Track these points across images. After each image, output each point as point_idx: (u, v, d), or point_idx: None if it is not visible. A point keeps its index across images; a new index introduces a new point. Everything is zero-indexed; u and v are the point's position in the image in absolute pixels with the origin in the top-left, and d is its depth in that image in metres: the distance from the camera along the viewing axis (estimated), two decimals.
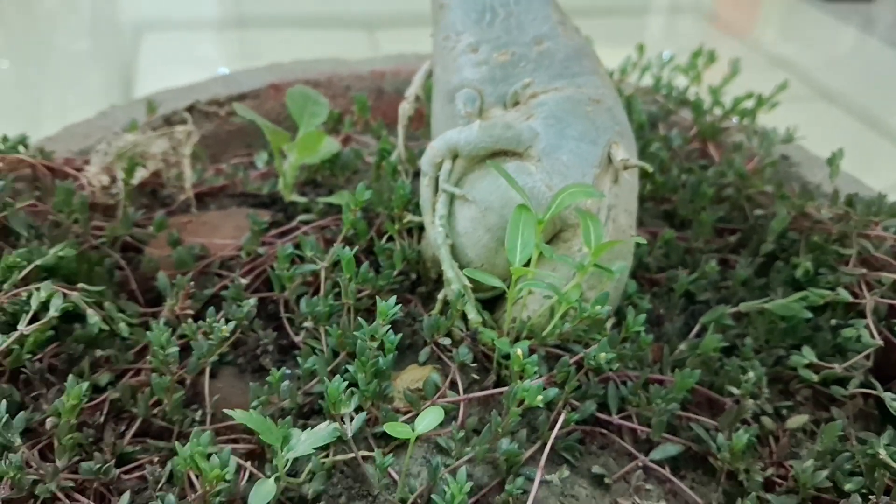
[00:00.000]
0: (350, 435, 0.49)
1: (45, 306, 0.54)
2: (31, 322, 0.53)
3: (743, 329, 0.67)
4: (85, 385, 0.48)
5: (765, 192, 0.80)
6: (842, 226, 0.70)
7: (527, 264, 0.54)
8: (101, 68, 1.82)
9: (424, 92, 0.77)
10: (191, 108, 0.87)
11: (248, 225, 0.75)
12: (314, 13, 2.20)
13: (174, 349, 0.51)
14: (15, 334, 0.53)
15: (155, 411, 0.55)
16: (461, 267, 0.62)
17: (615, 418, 0.57)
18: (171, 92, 0.89)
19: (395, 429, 0.47)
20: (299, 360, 0.58)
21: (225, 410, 0.48)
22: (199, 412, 0.56)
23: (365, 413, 0.51)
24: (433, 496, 0.50)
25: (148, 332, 0.52)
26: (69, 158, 0.76)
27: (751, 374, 0.57)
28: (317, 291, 0.67)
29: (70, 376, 0.50)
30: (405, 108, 0.76)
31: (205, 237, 0.72)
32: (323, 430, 0.48)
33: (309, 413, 0.58)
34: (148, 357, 0.60)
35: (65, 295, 0.55)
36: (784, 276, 0.71)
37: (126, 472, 0.52)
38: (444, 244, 0.62)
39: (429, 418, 0.48)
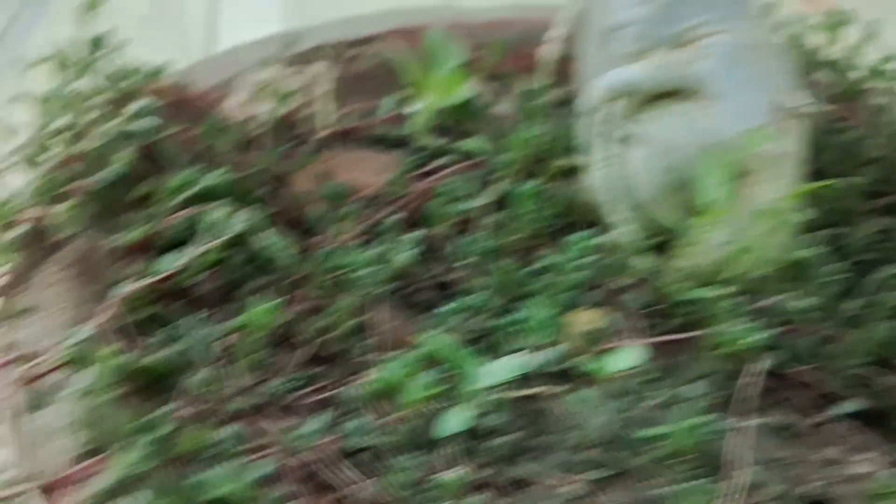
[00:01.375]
0: (543, 368, 0.47)
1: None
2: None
3: None
4: (275, 304, 0.47)
5: None
6: None
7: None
8: (186, 23, 1.82)
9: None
10: (317, 49, 0.85)
11: (383, 167, 0.74)
12: None
13: (368, 270, 0.50)
14: (197, 252, 0.51)
15: (326, 338, 0.54)
16: (629, 210, 0.60)
17: (800, 370, 0.55)
18: (298, 32, 0.87)
19: (593, 366, 0.45)
20: (468, 296, 0.56)
21: (428, 338, 0.47)
22: (367, 342, 0.54)
23: (559, 347, 0.49)
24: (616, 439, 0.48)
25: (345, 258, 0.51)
26: (204, 92, 0.75)
27: None
28: (460, 233, 0.65)
29: (262, 296, 0.49)
30: (549, 51, 0.74)
31: (345, 175, 0.71)
32: (516, 361, 0.47)
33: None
34: (309, 286, 0.59)
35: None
36: None
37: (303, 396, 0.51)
38: (615, 186, 0.60)
39: (624, 358, 0.46)
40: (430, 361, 0.49)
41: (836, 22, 0.93)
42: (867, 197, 0.75)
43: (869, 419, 0.55)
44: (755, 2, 0.64)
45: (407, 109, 0.85)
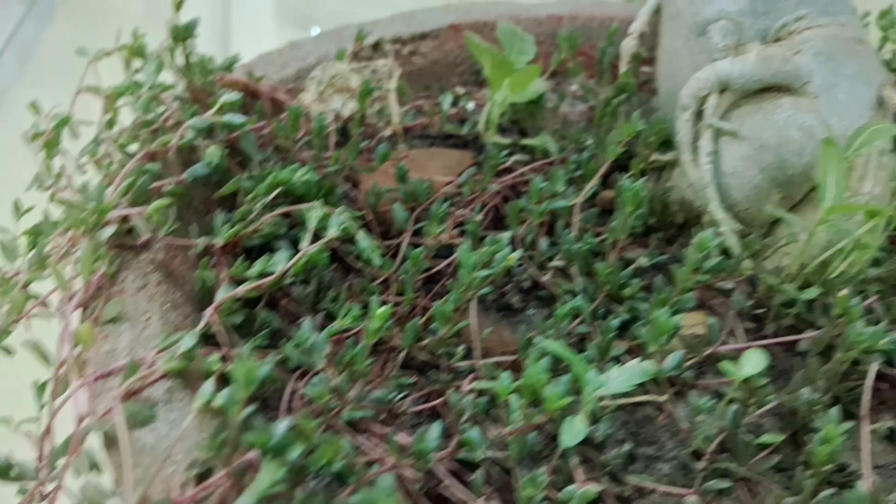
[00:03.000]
0: (667, 372, 0.46)
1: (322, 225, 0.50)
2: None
3: None
4: (388, 308, 0.45)
5: None
6: None
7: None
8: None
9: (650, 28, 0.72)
10: (377, 45, 0.84)
11: (454, 164, 0.72)
12: None
13: (484, 272, 0.48)
14: (298, 254, 0.49)
15: (422, 343, 0.52)
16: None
17: None
18: (356, 26, 0.85)
19: (727, 368, 0.44)
20: (564, 298, 0.55)
21: (541, 342, 0.45)
22: (462, 346, 0.53)
23: (679, 351, 0.48)
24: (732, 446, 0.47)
25: (459, 253, 0.49)
26: (274, 86, 0.73)
27: None
28: (549, 231, 0.63)
29: (374, 297, 0.47)
30: (629, 45, 0.72)
31: (415, 174, 0.69)
32: (637, 367, 0.45)
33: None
34: (395, 289, 0.57)
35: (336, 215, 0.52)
36: None
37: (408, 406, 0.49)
38: (712, 184, 0.58)
39: (754, 360, 0.45)
40: (552, 369, 0.47)
41: (892, 20, 0.91)
42: None
43: None
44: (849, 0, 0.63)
45: (469, 106, 0.84)
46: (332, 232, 0.50)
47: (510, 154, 0.73)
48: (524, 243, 0.62)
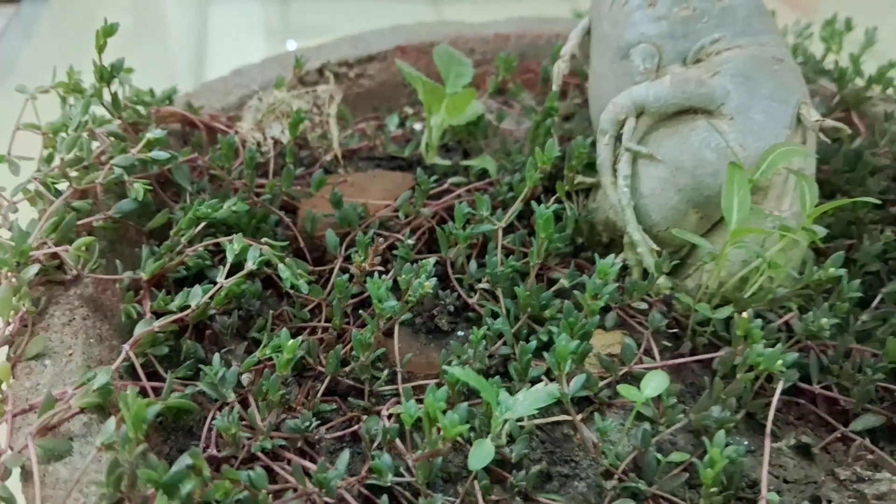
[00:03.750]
0: (570, 396, 0.47)
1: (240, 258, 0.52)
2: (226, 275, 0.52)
3: None
4: (298, 339, 0.47)
5: None
6: None
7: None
8: (172, 39, 1.81)
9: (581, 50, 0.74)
10: (321, 69, 0.85)
11: (394, 187, 0.74)
12: None
13: (393, 303, 0.50)
14: (214, 287, 0.51)
15: (345, 370, 0.54)
16: (643, 230, 0.60)
17: (816, 388, 0.55)
18: (301, 51, 0.87)
19: (629, 391, 0.45)
20: (486, 321, 0.56)
21: (445, 368, 0.46)
22: (386, 371, 0.54)
23: (582, 375, 0.49)
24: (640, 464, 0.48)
25: (368, 286, 0.50)
26: (214, 115, 0.74)
27: None
28: (479, 254, 0.65)
29: (284, 330, 0.48)
30: (560, 67, 0.73)
31: (356, 197, 0.71)
32: (542, 391, 0.46)
33: (493, 376, 0.56)
34: (325, 315, 0.59)
35: (258, 246, 0.53)
36: None
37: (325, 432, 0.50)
38: (629, 205, 0.60)
39: (655, 382, 0.46)
40: (458, 394, 0.48)
41: (836, 30, 0.93)
42: (875, 206, 0.75)
43: (884, 434, 0.55)
44: (769, 17, 0.64)
45: (415, 126, 0.85)
46: (250, 265, 0.51)
47: (454, 173, 0.75)
48: (454, 266, 0.63)
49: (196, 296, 0.50)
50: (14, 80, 1.41)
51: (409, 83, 0.92)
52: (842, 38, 0.92)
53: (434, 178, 0.73)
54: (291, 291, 0.59)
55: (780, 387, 0.49)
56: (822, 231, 0.56)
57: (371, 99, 0.89)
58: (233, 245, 0.51)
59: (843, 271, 0.52)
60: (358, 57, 0.88)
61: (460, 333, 0.61)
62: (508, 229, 0.64)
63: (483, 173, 0.74)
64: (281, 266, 0.53)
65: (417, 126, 0.86)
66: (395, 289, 0.56)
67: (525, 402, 0.46)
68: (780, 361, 0.45)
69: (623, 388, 0.45)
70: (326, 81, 0.84)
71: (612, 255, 0.50)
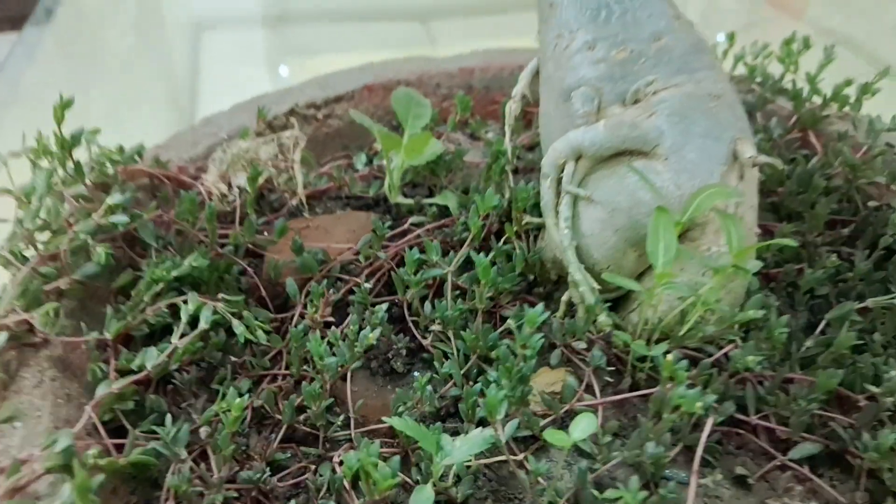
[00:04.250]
0: (504, 441, 0.50)
1: (195, 317, 0.55)
2: (180, 335, 0.55)
3: (869, 324, 0.66)
4: (244, 398, 0.50)
5: (876, 183, 0.78)
6: None
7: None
8: (167, 67, 1.84)
9: (531, 90, 0.77)
10: (290, 113, 0.88)
11: (359, 228, 0.76)
12: (368, 7, 2.21)
13: (332, 359, 0.52)
14: (169, 347, 0.54)
15: (301, 417, 0.56)
16: (586, 269, 0.63)
17: (753, 418, 0.57)
18: (270, 96, 0.90)
19: (554, 436, 0.48)
20: (435, 364, 0.59)
21: (384, 419, 0.49)
22: (342, 417, 0.57)
23: (516, 419, 0.52)
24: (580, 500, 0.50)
25: (310, 345, 0.53)
26: (182, 167, 0.77)
27: (893, 373, 0.56)
28: (437, 294, 0.67)
29: (231, 388, 0.51)
30: (511, 108, 0.76)
31: (320, 241, 0.73)
32: (478, 437, 0.49)
33: (445, 416, 0.59)
34: (284, 363, 0.62)
35: (213, 304, 0.56)
36: None
37: (279, 480, 0.53)
38: (570, 246, 0.62)
39: (583, 424, 0.48)
40: (398, 444, 0.51)
41: (793, 50, 0.95)
42: (827, 226, 0.77)
43: (824, 461, 0.57)
44: (708, 54, 0.66)
45: (383, 163, 0.88)
46: (203, 324, 0.54)
47: (419, 210, 0.78)
48: (410, 308, 0.66)
49: (151, 357, 0.53)
50: (19, 105, 1.44)
51: (378, 120, 0.95)
52: (798, 57, 0.93)
53: (392, 219, 0.76)
54: (253, 345, 0.62)
55: (709, 424, 0.52)
56: (755, 266, 0.58)
57: (340, 138, 0.92)
58: (187, 305, 0.54)
59: (761, 313, 0.54)
60: (325, 98, 0.92)
61: (416, 374, 0.63)
62: (468, 267, 0.66)
63: (445, 211, 0.77)
64: (235, 322, 0.56)
65: (396, 160, 0.89)
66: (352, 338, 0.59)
67: (462, 448, 0.49)
68: (699, 403, 0.47)
69: (549, 434, 0.48)
70: (289, 128, 0.87)
71: (541, 306, 0.52)
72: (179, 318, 0.61)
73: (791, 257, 0.73)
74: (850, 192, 0.79)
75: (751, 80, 0.95)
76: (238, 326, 0.56)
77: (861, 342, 0.64)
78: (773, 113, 0.92)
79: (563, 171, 0.63)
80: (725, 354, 0.59)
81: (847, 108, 0.89)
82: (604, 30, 0.66)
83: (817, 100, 0.91)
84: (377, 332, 0.55)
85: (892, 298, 0.64)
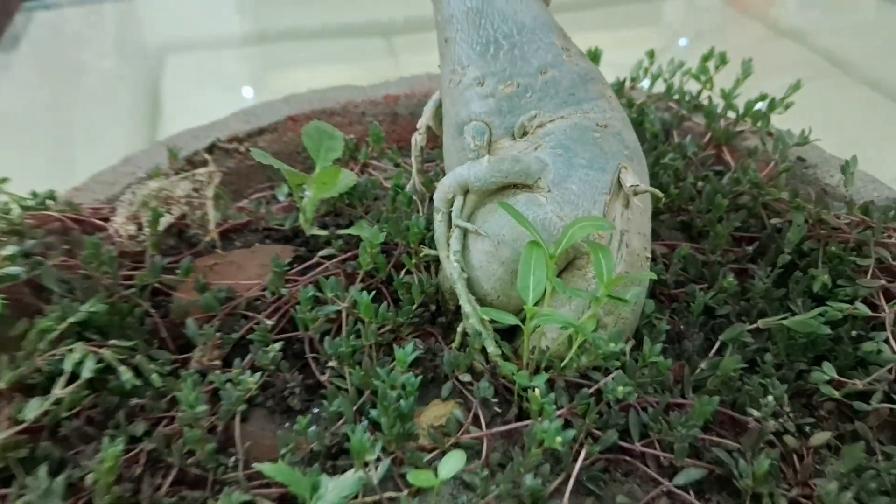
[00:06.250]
0: (376, 482, 0.51)
1: (79, 366, 0.56)
2: (67, 383, 0.56)
3: (763, 343, 0.67)
4: (119, 447, 0.51)
5: (780, 200, 0.79)
6: (859, 233, 0.70)
7: (539, 300, 0.55)
8: (130, 90, 1.85)
9: (436, 121, 0.78)
10: (212, 148, 0.89)
11: (272, 262, 0.77)
12: (332, 23, 2.22)
13: (202, 408, 0.53)
14: (51, 397, 0.55)
15: (189, 461, 0.57)
16: (478, 300, 0.64)
17: (637, 445, 0.58)
18: (192, 132, 0.91)
19: (419, 477, 0.49)
20: (325, 402, 0.60)
21: (255, 465, 0.50)
22: (233, 458, 0.58)
23: (390, 458, 0.53)
24: None
25: (177, 392, 0.54)
26: (97, 207, 0.78)
27: (770, 398, 0.57)
28: (340, 329, 0.69)
29: (105, 438, 0.52)
30: (417, 140, 0.77)
31: (231, 278, 0.75)
32: (349, 479, 0.50)
33: (338, 453, 0.60)
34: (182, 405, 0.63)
35: (97, 353, 0.57)
36: (803, 286, 0.70)
37: None
38: (460, 279, 0.63)
39: (451, 463, 0.49)
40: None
41: (713, 65, 0.96)
42: (733, 243, 0.78)
43: (712, 486, 0.58)
44: (598, 83, 0.68)
45: (306, 193, 0.89)
46: (86, 373, 0.55)
47: (337, 239, 0.79)
48: (312, 344, 0.67)
49: (32, 408, 0.54)
50: None
51: (302, 150, 0.97)
52: (714, 74, 0.95)
53: (309, 251, 0.77)
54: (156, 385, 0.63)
55: (581, 455, 0.53)
56: (635, 295, 0.59)
57: (265, 170, 0.93)
58: (73, 354, 0.55)
59: (620, 347, 0.55)
60: (249, 131, 0.93)
61: (315, 411, 0.64)
62: (374, 298, 0.67)
63: (357, 241, 0.78)
64: (121, 369, 0.57)
65: (307, 193, 0.90)
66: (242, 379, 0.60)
67: (333, 491, 0.50)
68: (558, 438, 0.48)
69: (414, 476, 0.49)
70: (216, 160, 0.88)
71: (411, 345, 0.53)
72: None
73: (694, 276, 0.75)
74: (756, 208, 0.80)
75: (668, 97, 0.97)
76: (125, 373, 0.57)
77: (751, 360, 0.65)
78: (689, 130, 0.93)
79: (452, 206, 0.65)
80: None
81: (759, 124, 0.90)
82: (492, 65, 0.67)
83: (732, 115, 0.93)
84: (257, 376, 0.56)
85: (783, 318, 0.65)
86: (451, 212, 0.65)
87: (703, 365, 0.65)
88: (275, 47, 2.14)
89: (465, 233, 0.64)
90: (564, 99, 0.66)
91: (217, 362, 0.62)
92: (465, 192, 0.64)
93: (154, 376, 0.60)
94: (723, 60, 0.96)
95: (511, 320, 0.57)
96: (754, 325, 0.67)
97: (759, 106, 0.90)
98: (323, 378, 0.64)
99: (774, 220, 0.77)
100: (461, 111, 0.68)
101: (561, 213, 0.62)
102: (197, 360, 0.60)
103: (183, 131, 0.93)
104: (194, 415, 0.53)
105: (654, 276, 0.57)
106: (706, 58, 0.97)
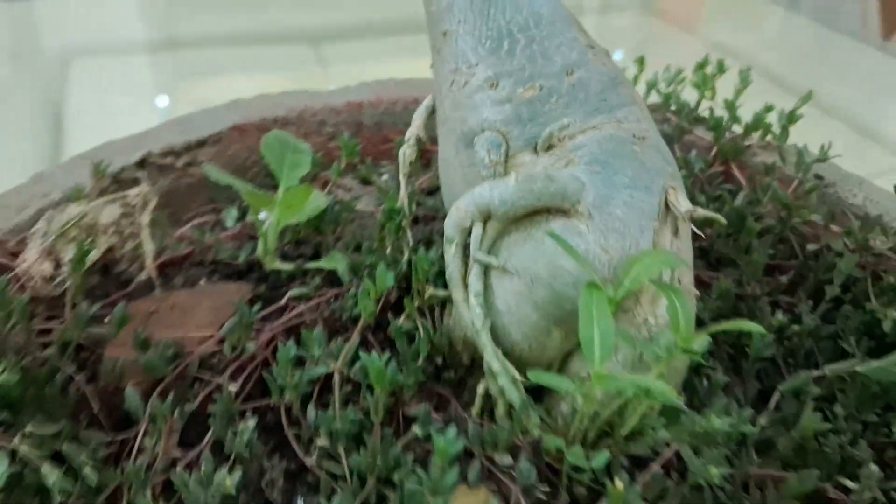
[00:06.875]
0: None
1: None
2: None
3: (826, 391, 0.57)
4: None
5: (811, 223, 0.71)
6: None
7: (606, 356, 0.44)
8: (28, 99, 1.64)
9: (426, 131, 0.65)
10: (142, 162, 0.74)
11: (225, 304, 0.63)
12: (253, 29, 2.06)
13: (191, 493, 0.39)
14: None
15: None
16: (504, 352, 0.51)
17: None
18: (117, 143, 0.75)
19: None
20: (317, 496, 0.46)
21: None
22: None
23: None
24: None
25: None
26: (1, 240, 0.62)
27: (873, 467, 0.47)
28: (323, 392, 0.55)
29: None
30: (406, 153, 0.64)
31: (175, 327, 0.59)
32: None
33: None
34: (124, 500, 0.47)
35: (8, 447, 0.42)
36: (856, 322, 0.62)
37: None
38: (484, 327, 0.51)
39: None
40: None
41: (707, 75, 0.88)
42: (764, 273, 0.69)
43: None
44: (628, 87, 0.57)
45: (261, 216, 0.74)
46: None
47: (302, 276, 0.65)
48: (290, 415, 0.53)
49: None
50: None
51: (251, 165, 0.82)
52: (714, 82, 0.86)
53: (269, 289, 0.63)
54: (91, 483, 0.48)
55: None
56: (704, 345, 0.48)
57: (206, 190, 0.78)
58: None
59: (727, 421, 0.44)
60: (187, 143, 0.77)
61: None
62: (357, 356, 0.54)
63: (334, 275, 0.64)
64: (45, 469, 0.41)
65: (262, 216, 0.76)
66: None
67: None
68: None
69: None
70: (148, 178, 0.72)
71: (453, 432, 0.40)
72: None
73: (729, 312, 0.65)
74: (784, 233, 0.71)
75: (665, 108, 0.87)
76: (50, 475, 0.41)
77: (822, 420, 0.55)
78: (691, 144, 0.84)
79: (469, 235, 0.52)
80: (677, 454, 0.49)
81: (769, 138, 0.82)
82: (508, 63, 0.55)
83: (737, 128, 0.84)
84: (237, 476, 0.41)
85: (854, 365, 0.55)
86: (468, 243, 0.52)
87: (762, 421, 0.55)
88: (188, 53, 1.95)
89: (486, 270, 0.52)
90: (595, 105, 0.55)
91: (177, 455, 0.47)
92: (486, 219, 0.52)
93: (87, 469, 0.45)
94: (720, 69, 0.87)
95: (567, 387, 0.45)
96: (819, 373, 0.57)
97: (767, 118, 0.82)
98: (309, 461, 0.50)
99: (811, 247, 0.68)
100: (469, 118, 0.56)
101: (606, 245, 0.50)
102: (149, 449, 0.45)
103: (104, 144, 0.76)
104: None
105: (761, 330, 0.46)
106: (701, 65, 0.88)
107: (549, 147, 0.55)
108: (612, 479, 0.46)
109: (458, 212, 0.52)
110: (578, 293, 0.49)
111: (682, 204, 0.52)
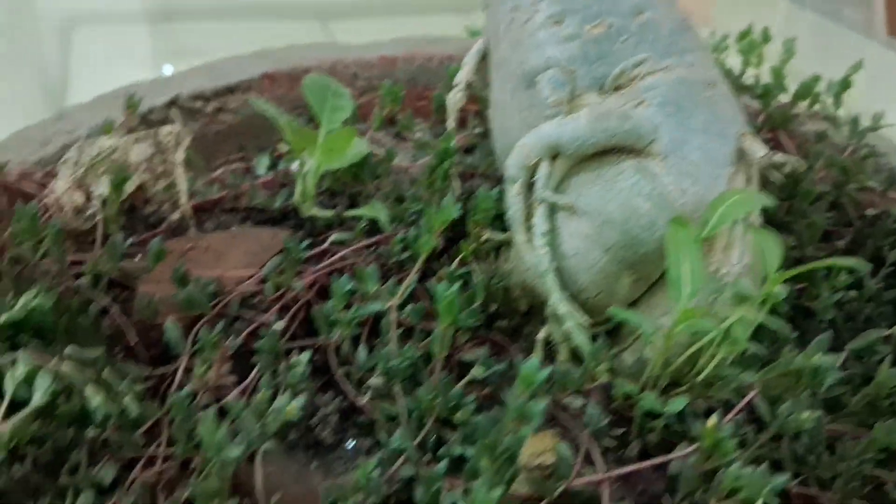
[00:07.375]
0: None
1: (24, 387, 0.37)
2: (7, 412, 0.37)
3: (893, 353, 0.55)
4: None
5: (868, 189, 0.68)
6: None
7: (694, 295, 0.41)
8: (29, 67, 1.60)
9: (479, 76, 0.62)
10: (171, 104, 0.70)
11: (261, 249, 0.60)
12: (262, 3, 2.02)
13: (235, 452, 0.36)
14: None
15: None
16: (569, 297, 0.49)
17: (793, 486, 0.44)
18: (146, 85, 0.72)
19: None
20: (378, 434, 0.43)
21: None
22: None
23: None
24: None
25: (201, 428, 0.36)
26: (26, 171, 0.58)
27: None
28: (371, 334, 0.52)
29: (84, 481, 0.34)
30: (456, 98, 0.62)
31: (210, 267, 0.56)
32: None
33: None
34: (165, 439, 0.44)
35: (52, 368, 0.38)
36: None
37: None
38: (549, 270, 0.48)
39: None
40: None
41: (751, 43, 0.85)
42: (822, 238, 0.67)
43: None
44: (695, 33, 0.54)
45: (291, 168, 0.71)
46: (38, 398, 0.36)
47: (339, 225, 0.62)
48: (339, 355, 0.50)
49: None
50: None
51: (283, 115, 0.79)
52: (761, 50, 0.84)
53: (307, 236, 0.60)
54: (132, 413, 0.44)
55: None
56: (783, 292, 0.45)
57: (236, 137, 0.75)
58: (15, 371, 0.36)
59: (826, 360, 0.42)
60: (215, 89, 0.74)
61: (350, 445, 0.47)
62: (408, 298, 0.51)
63: (373, 225, 0.61)
64: (89, 390, 0.38)
65: (294, 166, 0.73)
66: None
67: None
68: (766, 489, 0.34)
69: None
70: (174, 120, 0.69)
71: (536, 360, 0.37)
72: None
73: (794, 278, 0.62)
74: (840, 198, 0.69)
75: None
76: (94, 397, 0.38)
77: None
78: None
79: (534, 175, 0.49)
80: (750, 402, 0.46)
81: (817, 107, 0.80)
82: (573, 1, 0.53)
83: (783, 98, 0.82)
84: (301, 399, 0.38)
85: None
86: (532, 182, 0.49)
87: (829, 380, 0.52)
88: (200, 26, 1.91)
89: (552, 210, 0.49)
90: (666, 47, 0.52)
91: (229, 379, 0.44)
92: (554, 157, 0.49)
93: (127, 399, 0.41)
94: (766, 37, 0.85)
95: (650, 325, 0.42)
96: (889, 332, 0.54)
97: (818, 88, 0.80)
98: (361, 401, 0.47)
99: (870, 212, 0.66)
100: (530, 57, 0.53)
101: (681, 187, 0.48)
102: (198, 376, 0.42)
103: (129, 84, 0.73)
104: (222, 462, 0.35)
105: (861, 266, 0.43)
106: (745, 33, 0.86)
107: (617, 87, 0.52)
108: (687, 427, 0.44)
109: (522, 149, 0.49)
110: (652, 236, 0.47)
111: (758, 150, 0.50)
